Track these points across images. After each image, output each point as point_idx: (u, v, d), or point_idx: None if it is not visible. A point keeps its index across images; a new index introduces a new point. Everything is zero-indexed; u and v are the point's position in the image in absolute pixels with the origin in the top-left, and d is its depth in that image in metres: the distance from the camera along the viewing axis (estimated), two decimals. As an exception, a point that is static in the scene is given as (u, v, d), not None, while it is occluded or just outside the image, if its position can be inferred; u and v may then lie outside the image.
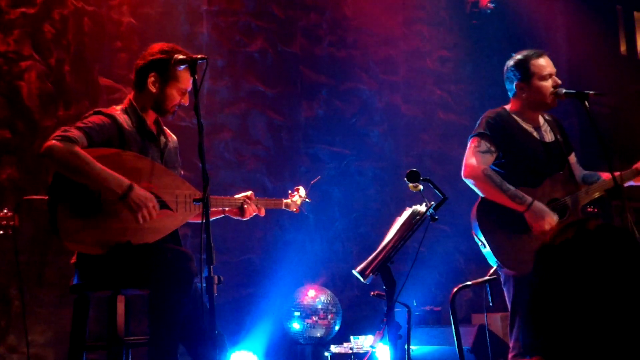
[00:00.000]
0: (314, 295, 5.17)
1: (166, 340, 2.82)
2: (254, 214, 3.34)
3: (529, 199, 3.35)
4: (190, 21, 5.30)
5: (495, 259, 3.36)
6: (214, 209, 3.27)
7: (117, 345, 2.88)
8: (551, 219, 3.33)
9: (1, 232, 3.44)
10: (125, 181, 2.88)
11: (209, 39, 5.41)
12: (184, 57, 3.00)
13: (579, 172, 3.69)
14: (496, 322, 5.26)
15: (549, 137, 3.62)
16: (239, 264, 5.34)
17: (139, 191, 2.88)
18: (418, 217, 2.93)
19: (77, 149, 2.84)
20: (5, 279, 4.30)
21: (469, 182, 3.48)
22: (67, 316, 4.20)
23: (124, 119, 3.07)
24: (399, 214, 3.03)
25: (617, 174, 3.37)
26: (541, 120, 3.66)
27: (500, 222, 3.41)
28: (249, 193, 3.32)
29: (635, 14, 7.99)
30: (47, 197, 2.92)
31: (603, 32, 7.17)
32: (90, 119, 3.00)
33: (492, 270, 3.48)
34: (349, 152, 6.02)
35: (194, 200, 2.99)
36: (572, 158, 3.69)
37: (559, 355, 1.30)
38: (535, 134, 3.57)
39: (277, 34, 5.80)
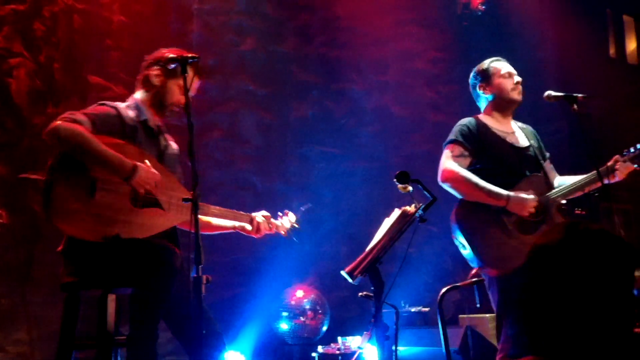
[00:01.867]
0: (302, 296, 5.17)
1: (146, 335, 2.81)
2: (265, 233, 3.32)
3: (505, 192, 3.43)
4: (181, 19, 5.29)
5: (476, 260, 3.41)
6: (222, 224, 3.29)
7: (106, 344, 2.87)
8: (532, 201, 3.42)
9: None
10: (130, 163, 2.89)
11: (200, 37, 5.40)
12: (174, 55, 3.02)
13: (554, 176, 3.76)
14: (484, 323, 5.28)
15: (522, 142, 3.69)
16: (228, 264, 5.33)
17: (143, 172, 2.90)
18: (407, 218, 2.94)
19: (83, 129, 2.86)
20: (-7, 277, 4.28)
21: (447, 186, 3.57)
22: (54, 315, 4.19)
23: (127, 114, 3.08)
24: (388, 214, 3.04)
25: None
26: (514, 127, 3.76)
27: (480, 222, 3.47)
28: (265, 213, 3.33)
29: (625, 17, 8.05)
30: (44, 178, 2.92)
31: (593, 35, 7.21)
32: (94, 109, 3.02)
33: (473, 271, 3.51)
34: (339, 152, 6.03)
35: (183, 199, 2.98)
36: (547, 164, 3.77)
37: (550, 353, 1.31)
38: (507, 138, 3.65)
39: (268, 33, 5.80)
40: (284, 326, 5.08)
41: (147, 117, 3.15)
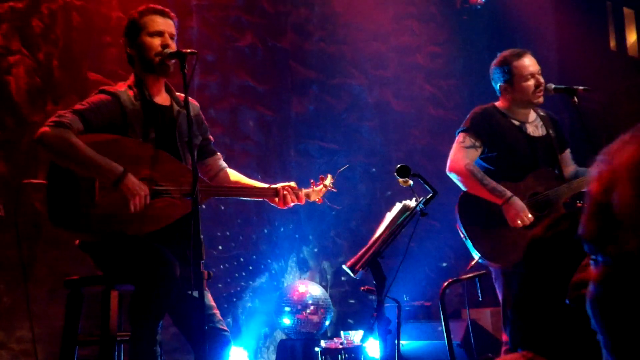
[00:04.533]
0: (304, 291, 5.17)
1: (145, 339, 2.79)
2: (293, 203, 3.18)
3: (508, 193, 3.43)
4: (179, 15, 5.25)
5: (475, 251, 3.42)
6: (252, 185, 3.23)
7: (109, 341, 2.87)
8: (526, 216, 3.39)
9: None
10: (119, 168, 2.83)
11: (199, 33, 5.39)
12: (173, 51, 3.00)
13: (571, 168, 3.74)
14: (486, 317, 5.28)
15: (538, 132, 3.68)
16: (229, 259, 5.33)
17: (133, 178, 2.85)
18: (408, 212, 2.94)
19: (68, 135, 2.80)
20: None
21: (453, 176, 3.58)
22: (56, 312, 4.19)
23: (127, 96, 3.00)
24: (389, 209, 3.03)
25: None
26: (532, 115, 3.72)
27: (480, 215, 3.49)
28: (292, 183, 3.22)
29: (625, 9, 8.03)
30: (45, 182, 2.91)
31: (593, 28, 7.20)
32: (90, 99, 2.96)
33: (473, 263, 3.52)
34: (339, 147, 6.02)
35: (183, 194, 2.96)
36: (566, 154, 3.75)
37: (547, 348, 1.31)
38: (522, 128, 3.63)
39: (267, 29, 5.79)
40: (286, 321, 5.09)
41: (147, 92, 3.07)
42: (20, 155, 4.40)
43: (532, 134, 3.65)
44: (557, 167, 3.67)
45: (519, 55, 3.65)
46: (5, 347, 4.30)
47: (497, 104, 3.72)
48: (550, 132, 3.69)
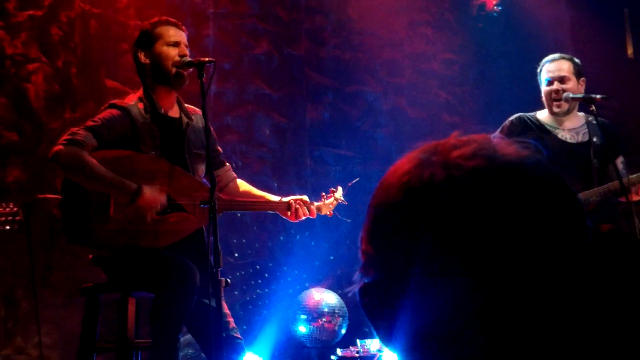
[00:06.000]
0: (319, 298, 5.17)
1: (167, 348, 2.80)
2: (305, 217, 3.22)
3: None
4: (196, 24, 5.30)
5: None
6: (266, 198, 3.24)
7: (126, 348, 2.88)
8: None
9: (7, 227, 3.42)
10: (132, 185, 2.84)
11: (215, 41, 5.42)
12: (192, 60, 3.02)
13: (614, 176, 3.66)
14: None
15: (579, 138, 3.65)
16: (245, 266, 5.34)
17: (149, 191, 2.86)
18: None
19: (82, 153, 2.81)
20: (12, 280, 4.31)
21: None
22: (73, 318, 4.21)
23: (138, 109, 3.01)
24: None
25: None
26: (580, 121, 3.69)
27: None
28: (304, 197, 3.25)
29: (642, 16, 7.97)
30: (60, 197, 2.93)
31: (610, 35, 7.16)
32: (101, 115, 2.97)
33: None
34: (355, 154, 6.02)
35: (201, 202, 2.97)
36: (618, 161, 3.69)
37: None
38: (559, 134, 3.62)
39: (282, 36, 5.80)
40: (302, 329, 5.08)
41: (157, 105, 3.07)
42: (38, 161, 4.43)
43: (567, 139, 3.63)
44: (589, 176, 3.62)
45: (550, 60, 3.67)
46: (24, 352, 4.32)
47: (539, 111, 3.75)
48: (595, 139, 3.65)
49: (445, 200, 0.71)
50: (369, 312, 0.79)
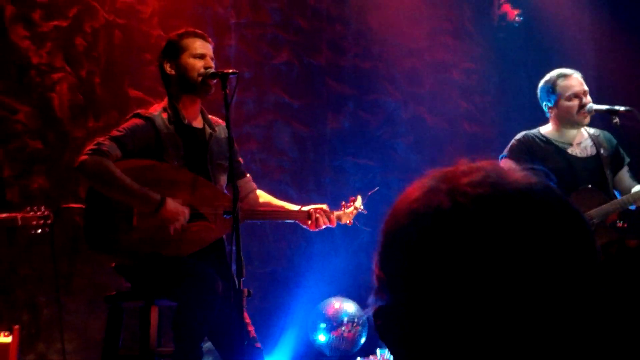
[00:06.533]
0: (339, 307, 5.17)
1: (189, 356, 2.82)
2: (325, 226, 3.24)
3: None
4: (219, 34, 5.35)
5: None
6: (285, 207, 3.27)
7: (149, 356, 2.91)
8: None
9: (39, 230, 3.44)
10: (156, 197, 2.87)
11: (237, 50, 5.46)
12: (215, 71, 3.05)
13: (627, 185, 3.67)
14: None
15: (587, 152, 3.66)
16: (264, 275, 5.36)
17: (172, 203, 2.89)
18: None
19: (108, 163, 2.84)
20: (34, 287, 4.36)
21: None
22: (95, 325, 4.26)
23: (162, 119, 3.04)
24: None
25: None
26: (581, 136, 3.70)
27: None
28: (324, 206, 3.27)
29: (664, 26, 7.92)
30: (84, 206, 2.96)
31: (632, 45, 7.11)
32: (125, 125, 3.01)
33: None
34: (374, 164, 6.03)
35: (224, 212, 2.99)
36: (622, 172, 3.70)
37: None
38: (569, 150, 3.62)
39: (302, 45, 5.83)
40: (321, 338, 5.08)
41: (181, 115, 3.10)
42: (62, 170, 4.49)
43: (578, 155, 3.63)
44: (606, 187, 3.62)
45: (564, 76, 3.64)
46: (46, 358, 4.37)
47: (542, 127, 3.73)
48: (602, 151, 3.66)
49: (451, 228, 0.72)
50: (382, 335, 0.81)
